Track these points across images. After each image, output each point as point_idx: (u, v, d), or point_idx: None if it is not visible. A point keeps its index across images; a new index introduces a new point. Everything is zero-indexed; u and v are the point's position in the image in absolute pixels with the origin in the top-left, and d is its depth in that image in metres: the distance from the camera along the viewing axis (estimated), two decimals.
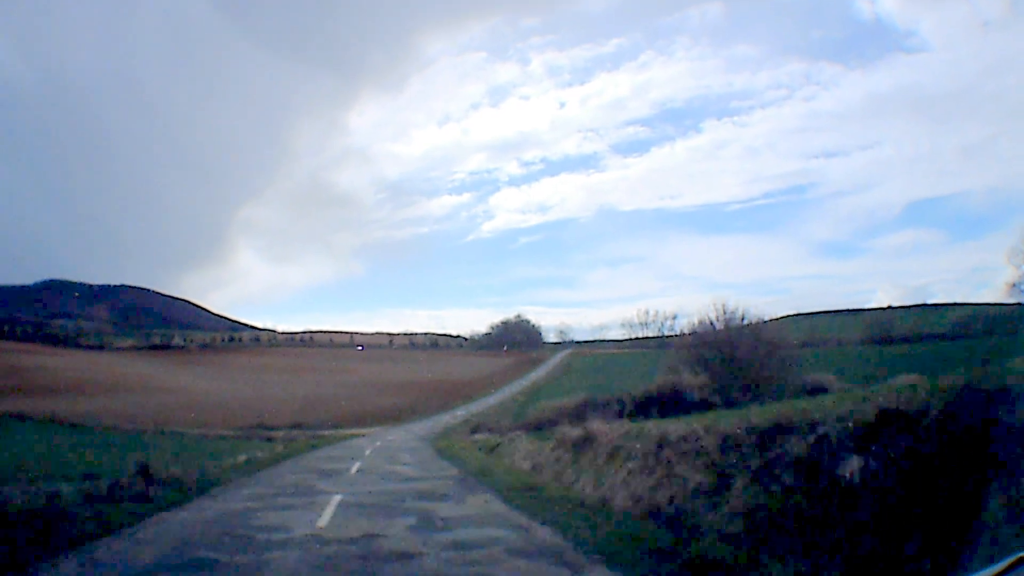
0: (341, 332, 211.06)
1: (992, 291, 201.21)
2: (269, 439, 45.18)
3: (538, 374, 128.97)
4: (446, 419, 65.78)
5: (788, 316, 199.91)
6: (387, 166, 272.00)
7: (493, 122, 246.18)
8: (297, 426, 53.53)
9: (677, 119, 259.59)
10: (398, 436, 51.52)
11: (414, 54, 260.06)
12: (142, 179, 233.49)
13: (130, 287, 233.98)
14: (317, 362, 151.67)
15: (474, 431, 47.96)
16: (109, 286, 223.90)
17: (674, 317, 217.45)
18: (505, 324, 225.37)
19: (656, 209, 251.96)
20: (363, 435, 51.87)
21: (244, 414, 61.52)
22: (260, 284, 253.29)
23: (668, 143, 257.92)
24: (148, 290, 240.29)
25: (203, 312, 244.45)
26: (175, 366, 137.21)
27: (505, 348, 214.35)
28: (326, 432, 52.17)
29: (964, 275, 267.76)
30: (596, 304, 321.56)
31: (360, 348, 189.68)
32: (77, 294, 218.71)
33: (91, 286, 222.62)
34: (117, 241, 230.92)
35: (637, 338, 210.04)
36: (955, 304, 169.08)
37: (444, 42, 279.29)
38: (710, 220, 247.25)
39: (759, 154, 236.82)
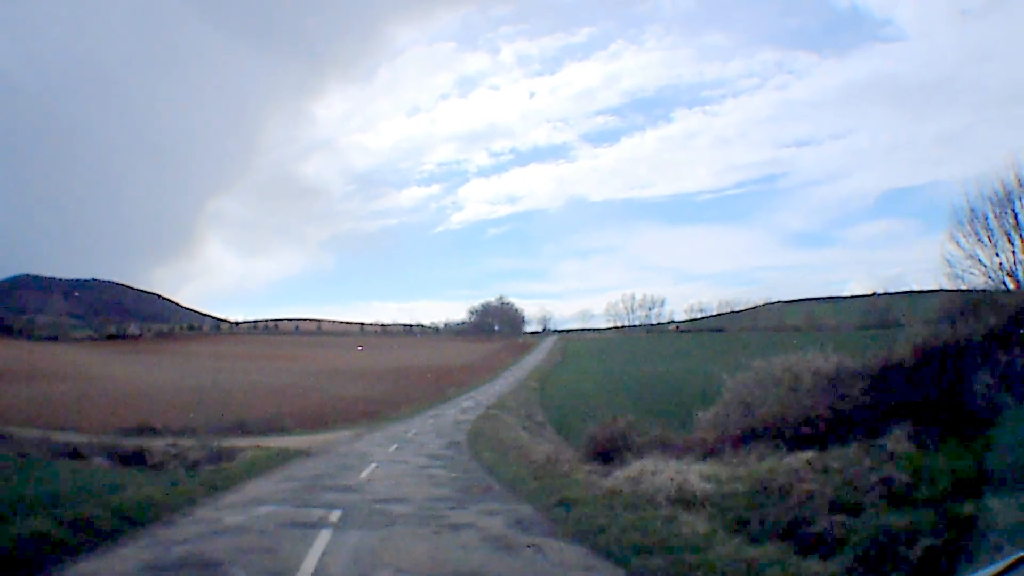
0: (307, 320, 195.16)
1: (967, 280, 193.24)
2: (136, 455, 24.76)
3: (535, 358, 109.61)
4: (451, 415, 45.08)
5: (774, 303, 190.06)
6: (356, 157, 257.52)
7: (462, 112, 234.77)
8: (213, 425, 32.55)
9: (648, 108, 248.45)
10: (383, 454, 26.02)
11: (383, 44, 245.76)
12: (111, 172, 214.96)
13: (101, 281, 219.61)
14: (281, 350, 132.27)
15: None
16: (81, 280, 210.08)
17: (662, 303, 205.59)
18: (486, 308, 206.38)
19: (626, 199, 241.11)
20: (310, 452, 26.40)
21: (159, 407, 42.08)
22: (230, 277, 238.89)
23: (639, 133, 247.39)
24: (119, 284, 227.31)
25: (173, 306, 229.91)
26: (121, 355, 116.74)
27: (497, 328, 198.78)
28: (248, 444, 28.39)
29: (939, 264, 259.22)
30: (567, 295, 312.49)
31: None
32: (48, 289, 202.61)
33: (63, 281, 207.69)
34: (88, 235, 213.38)
35: (622, 326, 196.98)
36: (939, 291, 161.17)
37: (414, 32, 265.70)
38: (681, 210, 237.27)
39: (731, 144, 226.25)
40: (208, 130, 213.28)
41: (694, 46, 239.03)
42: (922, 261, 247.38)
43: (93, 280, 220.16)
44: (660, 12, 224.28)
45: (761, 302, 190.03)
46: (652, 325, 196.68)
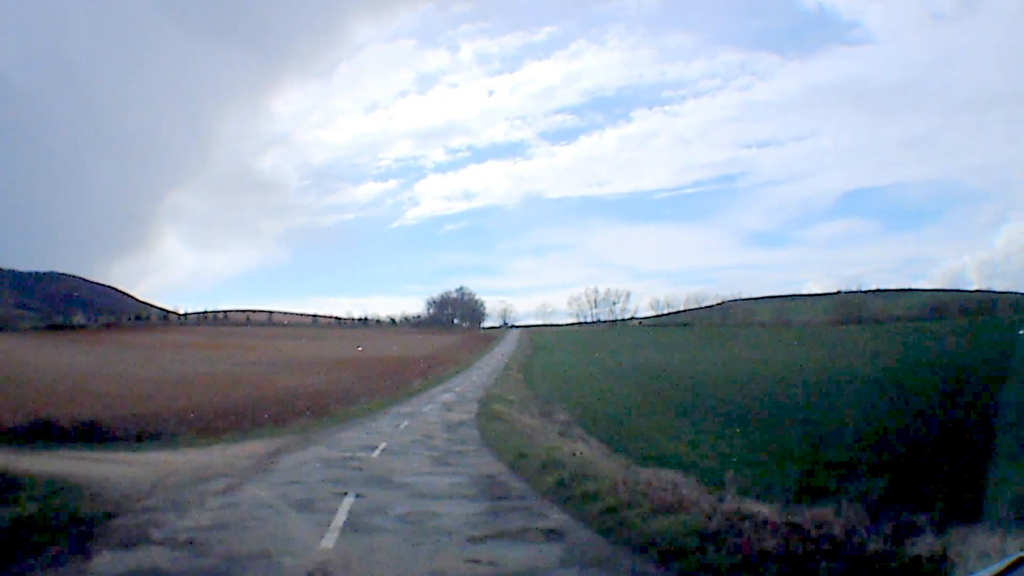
0: (259, 311, 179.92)
1: (929, 281, 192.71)
2: None
3: (505, 349, 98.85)
4: (432, 412, 33.44)
5: (743, 299, 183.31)
6: (313, 152, 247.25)
7: (420, 109, 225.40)
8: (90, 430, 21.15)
9: (607, 108, 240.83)
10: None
11: (343, 40, 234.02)
12: (69, 165, 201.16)
13: (59, 274, 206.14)
14: (228, 340, 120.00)
15: None
16: (38, 273, 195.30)
17: (627, 297, 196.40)
18: (445, 299, 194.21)
19: (583, 197, 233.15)
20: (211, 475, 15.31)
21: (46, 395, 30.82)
22: (187, 271, 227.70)
23: (597, 131, 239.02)
24: (77, 277, 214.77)
25: (131, 299, 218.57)
26: (54, 343, 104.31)
27: (456, 320, 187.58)
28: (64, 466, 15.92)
29: (899, 265, 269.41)
30: (521, 292, 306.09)
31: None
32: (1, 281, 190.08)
33: (19, 273, 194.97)
34: (45, 228, 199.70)
35: (585, 321, 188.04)
36: (906, 290, 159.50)
37: (374, 28, 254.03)
38: (638, 208, 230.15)
39: (690, 143, 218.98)
40: (165, 123, 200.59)
41: (656, 46, 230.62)
42: (882, 261, 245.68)
43: (51, 273, 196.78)
44: (623, 12, 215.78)
45: (730, 297, 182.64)
46: (617, 320, 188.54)
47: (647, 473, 12.96)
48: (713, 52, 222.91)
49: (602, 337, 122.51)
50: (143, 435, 20.98)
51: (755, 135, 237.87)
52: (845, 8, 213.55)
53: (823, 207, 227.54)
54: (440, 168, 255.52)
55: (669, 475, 12.43)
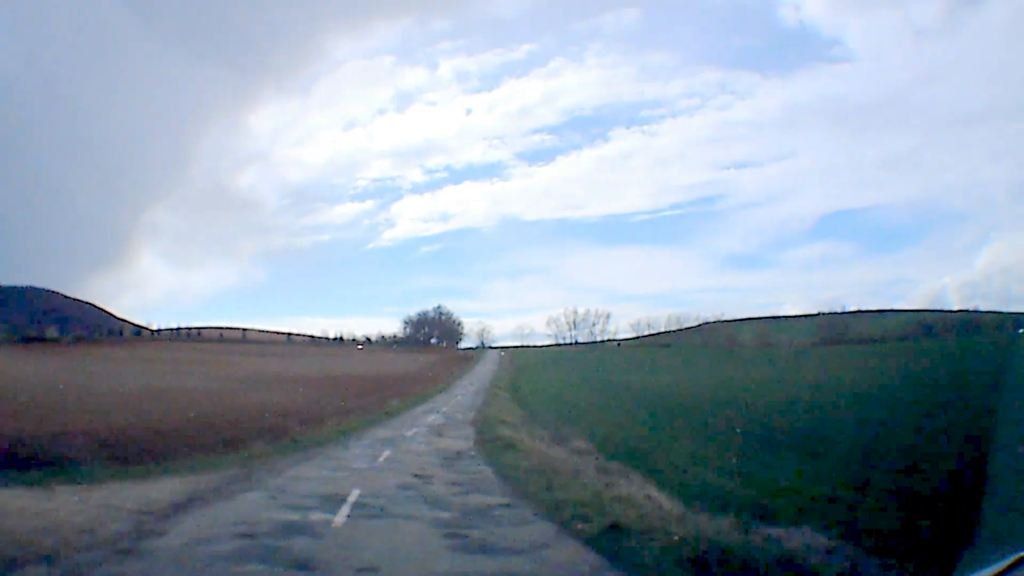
0: (233, 328, 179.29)
1: (908, 302, 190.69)
2: None
3: (487, 368, 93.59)
4: (417, 439, 27.38)
5: (725, 320, 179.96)
6: (291, 171, 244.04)
7: (398, 128, 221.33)
8: None
9: (585, 127, 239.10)
10: None
11: (322, 56, 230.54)
12: (49, 180, 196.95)
13: (37, 289, 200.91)
14: (198, 356, 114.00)
15: None
16: (17, 288, 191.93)
17: (607, 317, 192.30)
18: (422, 318, 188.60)
19: (559, 219, 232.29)
20: None
21: None
22: (165, 288, 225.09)
23: (575, 152, 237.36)
24: (55, 292, 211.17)
25: (108, 316, 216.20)
26: (21, 357, 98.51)
27: (434, 340, 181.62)
28: None
29: (877, 287, 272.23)
30: (496, 315, 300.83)
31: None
32: None
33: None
34: (24, 243, 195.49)
35: (565, 343, 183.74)
36: (887, 311, 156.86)
37: (353, 45, 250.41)
38: (614, 231, 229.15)
39: (668, 164, 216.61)
40: (144, 138, 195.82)
41: (635, 65, 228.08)
42: (861, 283, 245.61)
43: (29, 287, 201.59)
44: (602, 30, 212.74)
45: (711, 319, 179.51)
46: (598, 342, 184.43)
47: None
48: (692, 71, 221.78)
49: (586, 357, 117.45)
50: (34, 459, 15.41)
51: (733, 156, 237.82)
52: (826, 25, 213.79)
53: (801, 229, 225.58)
54: (417, 189, 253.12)
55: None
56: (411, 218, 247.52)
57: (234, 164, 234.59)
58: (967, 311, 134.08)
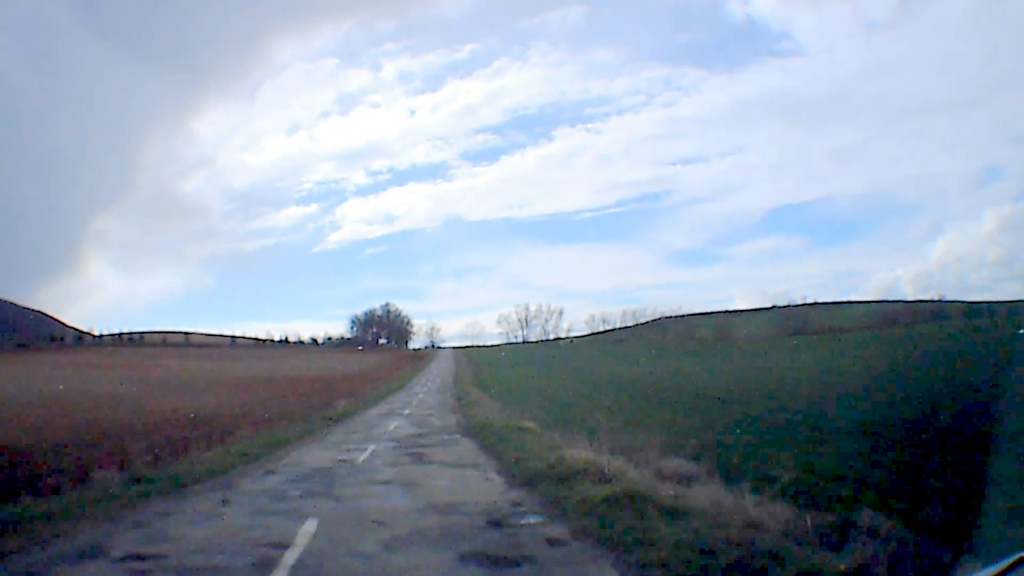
0: (176, 332, 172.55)
1: (861, 294, 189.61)
2: None
3: (443, 366, 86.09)
4: (380, 478, 14.25)
5: (683, 315, 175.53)
6: (236, 176, 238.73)
7: (342, 130, 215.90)
8: None
9: (529, 127, 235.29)
10: None
11: (265, 59, 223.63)
12: None
13: None
14: (136, 360, 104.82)
15: None
16: None
17: (559, 314, 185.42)
18: (370, 317, 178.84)
19: (504, 218, 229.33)
20: None
21: None
22: (114, 296, 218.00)
23: (519, 151, 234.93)
24: (5, 301, 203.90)
25: (58, 324, 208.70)
26: None
27: (383, 340, 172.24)
28: None
29: (828, 280, 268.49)
30: (444, 315, 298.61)
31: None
32: None
33: None
34: None
35: (515, 342, 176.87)
36: (844, 303, 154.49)
37: (296, 47, 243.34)
38: (560, 229, 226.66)
39: (613, 162, 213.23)
40: (90, 145, 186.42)
41: (580, 62, 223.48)
42: (812, 276, 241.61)
43: None
44: (546, 28, 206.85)
45: (668, 313, 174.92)
46: (552, 339, 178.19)
47: None
48: (638, 68, 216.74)
49: (548, 354, 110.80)
50: None
51: (680, 152, 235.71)
52: (775, 19, 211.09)
53: (750, 224, 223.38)
54: (361, 191, 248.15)
55: None
56: (356, 220, 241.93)
57: (179, 170, 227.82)
58: (920, 301, 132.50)
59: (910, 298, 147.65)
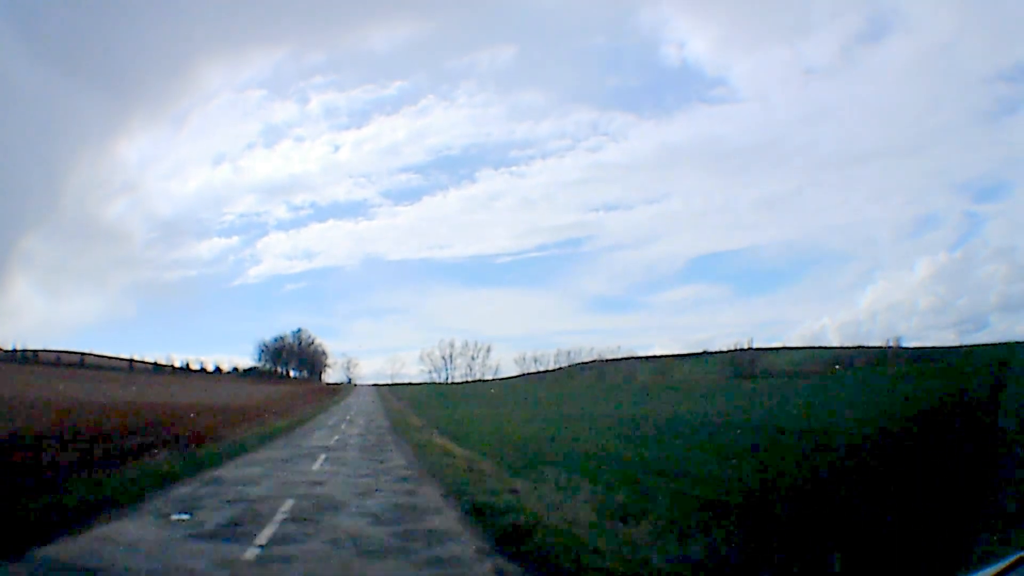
0: (71, 352, 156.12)
1: (784, 341, 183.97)
2: None
3: (363, 401, 68.67)
4: None
5: (624, 358, 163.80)
6: (160, 204, 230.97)
7: (266, 163, 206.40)
8: None
9: (452, 167, 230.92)
10: None
11: (194, 85, 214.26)
12: None
13: None
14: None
15: None
16: None
17: (487, 351, 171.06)
18: (280, 344, 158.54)
19: (423, 259, 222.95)
20: None
21: None
22: (39, 318, 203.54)
23: (441, 192, 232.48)
24: None
25: None
26: None
27: (294, 372, 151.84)
28: None
29: (752, 328, 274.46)
30: (360, 355, 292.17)
31: (493, 392, 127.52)
32: None
33: None
34: None
35: (440, 381, 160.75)
36: (782, 348, 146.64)
37: (226, 76, 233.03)
38: (479, 272, 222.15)
39: (535, 206, 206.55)
40: (17, 163, 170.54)
41: (507, 104, 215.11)
42: (735, 325, 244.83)
43: None
44: (475, 67, 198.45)
45: (607, 355, 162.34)
46: (480, 380, 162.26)
47: None
48: (565, 111, 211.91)
49: (491, 392, 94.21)
50: None
51: (603, 198, 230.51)
52: (712, 64, 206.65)
53: (671, 271, 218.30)
54: (282, 225, 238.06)
55: None
56: (276, 255, 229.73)
57: (104, 194, 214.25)
58: (852, 347, 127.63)
59: (835, 345, 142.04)
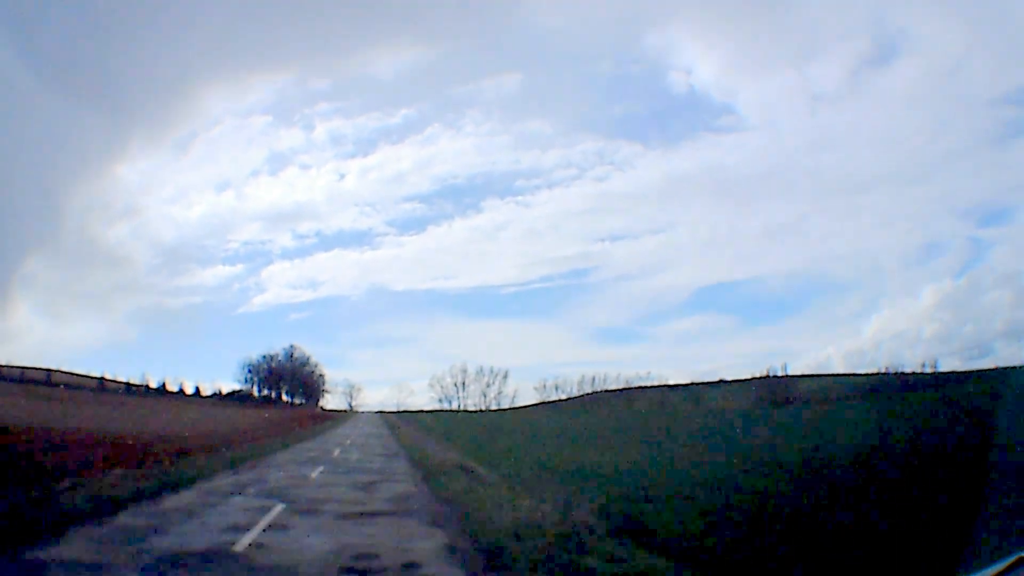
0: (37, 369, 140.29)
1: (790, 371, 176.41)
2: None
3: (361, 430, 55.61)
4: None
5: (654, 385, 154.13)
6: (163, 229, 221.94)
7: (271, 190, 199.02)
8: None
9: (458, 197, 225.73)
10: None
11: (197, 110, 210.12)
12: None
13: None
14: None
15: None
16: None
17: (504, 377, 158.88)
18: (270, 363, 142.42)
19: (428, 290, 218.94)
20: None
21: None
22: (40, 341, 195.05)
23: (446, 221, 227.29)
24: None
25: None
26: None
27: (287, 395, 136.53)
28: None
29: (757, 359, 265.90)
30: (363, 385, 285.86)
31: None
32: None
33: None
34: None
35: (453, 409, 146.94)
36: (804, 376, 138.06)
37: (230, 101, 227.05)
38: (483, 303, 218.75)
39: (540, 236, 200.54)
40: (21, 185, 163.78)
41: (513, 132, 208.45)
42: (740, 355, 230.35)
43: None
44: (481, 95, 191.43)
45: (636, 383, 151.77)
46: (497, 408, 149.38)
47: None
48: (572, 140, 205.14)
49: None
50: None
51: (609, 228, 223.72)
52: (720, 91, 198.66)
53: (676, 302, 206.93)
54: (287, 254, 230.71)
55: None
56: (281, 284, 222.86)
57: (106, 218, 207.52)
58: (887, 373, 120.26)
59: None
